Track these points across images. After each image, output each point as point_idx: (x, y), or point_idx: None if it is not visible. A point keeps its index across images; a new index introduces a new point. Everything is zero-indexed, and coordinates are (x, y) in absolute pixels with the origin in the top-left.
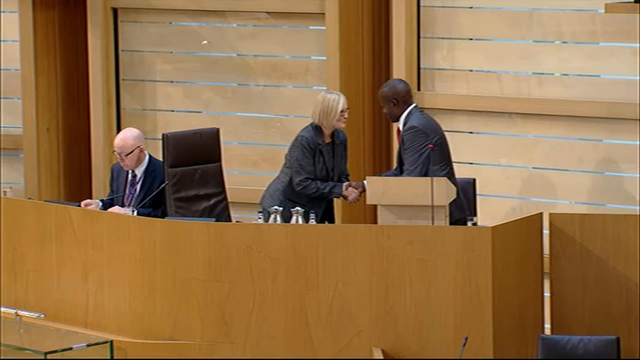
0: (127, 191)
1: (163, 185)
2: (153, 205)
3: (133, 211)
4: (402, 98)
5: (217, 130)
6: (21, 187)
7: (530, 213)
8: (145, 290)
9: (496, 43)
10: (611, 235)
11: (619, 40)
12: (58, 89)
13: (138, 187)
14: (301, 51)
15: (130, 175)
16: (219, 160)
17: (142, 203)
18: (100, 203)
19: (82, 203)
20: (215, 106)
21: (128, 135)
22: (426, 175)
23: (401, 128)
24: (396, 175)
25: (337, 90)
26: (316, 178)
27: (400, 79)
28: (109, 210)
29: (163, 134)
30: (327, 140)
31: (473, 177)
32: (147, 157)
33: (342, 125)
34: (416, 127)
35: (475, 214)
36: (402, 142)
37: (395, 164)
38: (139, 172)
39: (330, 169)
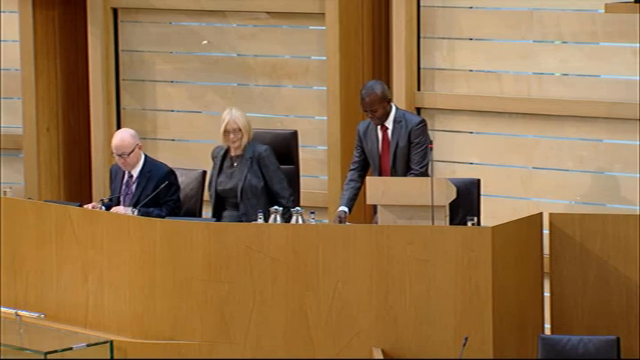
0: (123, 192)
1: (162, 186)
2: (152, 205)
3: (133, 211)
4: (390, 95)
5: (295, 132)
6: (21, 187)
7: (530, 213)
8: (145, 290)
9: (496, 43)
10: (611, 235)
11: (619, 40)
12: (58, 89)
13: (133, 187)
14: (301, 51)
15: (126, 176)
16: (294, 163)
17: (142, 204)
18: (104, 208)
19: (89, 206)
20: (215, 106)
21: (125, 135)
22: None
23: (390, 126)
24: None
25: (337, 90)
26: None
27: (374, 80)
28: (112, 210)
29: None
30: (235, 152)
31: (477, 177)
32: (142, 157)
33: (233, 146)
34: (425, 120)
35: (479, 215)
36: (408, 138)
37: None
38: (135, 172)
39: (224, 186)
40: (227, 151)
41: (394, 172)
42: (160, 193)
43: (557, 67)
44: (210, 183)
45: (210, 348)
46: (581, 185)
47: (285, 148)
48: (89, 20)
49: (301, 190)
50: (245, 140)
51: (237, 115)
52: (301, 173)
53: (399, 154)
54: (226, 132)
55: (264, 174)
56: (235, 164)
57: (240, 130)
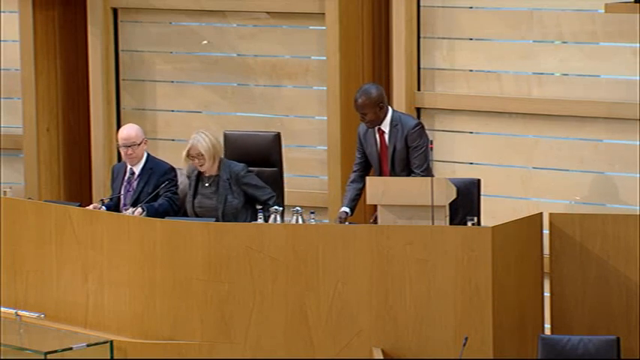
0: (124, 189)
1: (162, 186)
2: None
3: (138, 208)
4: (386, 100)
5: (278, 135)
6: (21, 187)
7: (530, 213)
8: (145, 290)
9: (496, 43)
10: (611, 235)
11: (619, 40)
12: (58, 89)
13: (135, 184)
14: (301, 51)
15: (127, 173)
16: (278, 165)
17: (144, 201)
18: (105, 208)
19: (90, 207)
20: (215, 106)
21: (133, 127)
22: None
23: (386, 129)
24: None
25: (337, 90)
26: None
27: (372, 83)
28: (123, 212)
29: (224, 132)
30: (209, 173)
31: (477, 177)
32: (145, 154)
33: (200, 170)
34: (421, 122)
35: (479, 215)
36: (405, 142)
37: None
38: (137, 169)
39: (195, 205)
40: (200, 171)
41: (393, 175)
42: (159, 192)
43: (557, 67)
44: (186, 203)
45: (210, 348)
46: (581, 185)
47: (267, 150)
48: (89, 20)
49: (286, 190)
50: (209, 164)
51: (200, 139)
52: (297, 173)
53: (397, 158)
54: (189, 156)
55: (245, 192)
56: (210, 184)
57: (202, 155)
